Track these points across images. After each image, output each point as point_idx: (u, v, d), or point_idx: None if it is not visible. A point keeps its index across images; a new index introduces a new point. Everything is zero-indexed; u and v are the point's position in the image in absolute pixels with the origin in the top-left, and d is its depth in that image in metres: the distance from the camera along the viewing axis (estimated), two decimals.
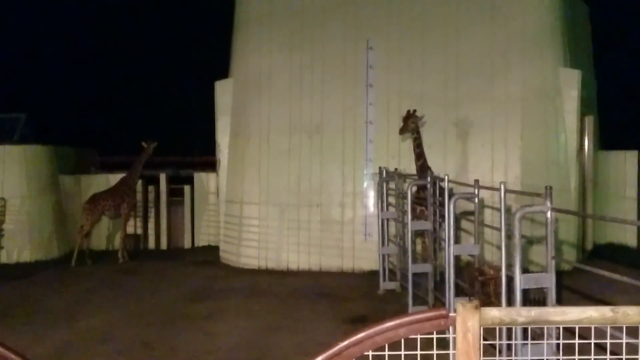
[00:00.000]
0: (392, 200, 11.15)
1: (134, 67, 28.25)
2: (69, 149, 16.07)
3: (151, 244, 15.62)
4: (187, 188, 15.83)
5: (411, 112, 10.77)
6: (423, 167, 10.49)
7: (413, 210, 9.57)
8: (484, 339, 2.62)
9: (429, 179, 9.14)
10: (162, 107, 26.78)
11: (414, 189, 10.14)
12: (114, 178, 14.70)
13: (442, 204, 8.54)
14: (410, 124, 10.71)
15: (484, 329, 2.52)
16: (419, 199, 10.14)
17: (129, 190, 13.98)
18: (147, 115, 26.00)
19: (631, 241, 13.39)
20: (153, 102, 27.01)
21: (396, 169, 11.35)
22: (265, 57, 13.25)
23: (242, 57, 13.72)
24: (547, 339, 5.01)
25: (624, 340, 3.88)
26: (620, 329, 3.58)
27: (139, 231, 15.53)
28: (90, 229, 13.82)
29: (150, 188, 15.76)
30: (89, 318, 9.25)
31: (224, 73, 14.13)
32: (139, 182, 14.89)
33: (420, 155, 10.63)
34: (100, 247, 15.08)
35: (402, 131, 10.99)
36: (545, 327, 4.23)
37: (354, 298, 10.31)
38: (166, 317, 9.29)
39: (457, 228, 8.97)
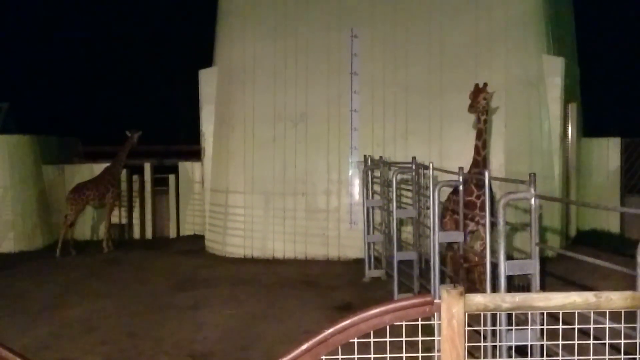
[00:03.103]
0: (377, 188, 11.17)
1: (118, 55, 28.05)
2: (52, 138, 15.92)
3: (136, 233, 15.54)
4: (172, 177, 15.75)
5: (481, 86, 8.49)
6: (485, 160, 8.67)
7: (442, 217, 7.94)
8: (469, 325, 2.64)
9: (460, 179, 7.53)
10: (146, 96, 26.63)
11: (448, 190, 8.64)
12: (98, 167, 14.59)
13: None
14: (482, 100, 8.50)
15: (468, 315, 2.54)
16: (453, 204, 8.37)
17: (113, 180, 13.92)
18: (131, 104, 25.85)
19: (614, 227, 13.51)
20: (137, 91, 26.86)
21: (381, 157, 11.35)
22: (250, 46, 13.19)
23: (226, 46, 13.65)
24: (531, 325, 5.05)
25: (607, 325, 3.92)
26: (603, 314, 3.62)
27: (124, 221, 15.45)
28: (75, 219, 13.74)
29: (135, 177, 15.65)
30: (73, 308, 9.21)
31: (208, 62, 14.06)
32: (124, 171, 14.81)
33: (483, 146, 8.56)
34: (84, 237, 14.99)
35: (472, 109, 8.64)
36: (530, 312, 4.27)
37: (339, 286, 10.33)
38: (152, 307, 9.28)
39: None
